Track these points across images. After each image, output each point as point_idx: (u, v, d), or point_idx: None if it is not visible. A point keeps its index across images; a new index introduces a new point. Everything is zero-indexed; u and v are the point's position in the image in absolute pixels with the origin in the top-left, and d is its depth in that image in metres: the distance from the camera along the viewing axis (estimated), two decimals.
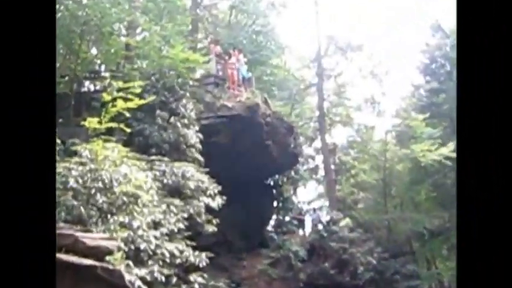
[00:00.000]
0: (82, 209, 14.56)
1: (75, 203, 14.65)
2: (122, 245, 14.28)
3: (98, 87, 26.74)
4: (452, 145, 33.57)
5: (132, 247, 15.11)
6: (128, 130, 18.51)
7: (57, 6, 21.97)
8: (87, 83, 28.44)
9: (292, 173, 38.87)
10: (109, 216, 15.23)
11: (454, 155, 32.99)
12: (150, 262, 16.11)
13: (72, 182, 14.86)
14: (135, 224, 15.32)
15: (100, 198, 15.17)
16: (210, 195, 20.76)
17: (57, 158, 15.22)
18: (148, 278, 15.45)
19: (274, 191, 37.23)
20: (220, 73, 30.86)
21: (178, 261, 17.43)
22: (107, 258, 12.06)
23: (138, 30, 28.94)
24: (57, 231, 9.65)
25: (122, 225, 15.03)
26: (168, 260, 16.75)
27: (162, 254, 16.61)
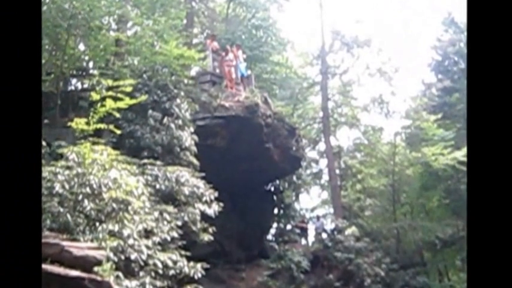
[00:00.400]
0: (69, 216, 14.57)
1: (61, 209, 14.67)
2: (111, 255, 14.29)
3: (85, 86, 26.68)
4: (466, 148, 33.62)
5: (122, 257, 15.10)
6: (118, 132, 18.55)
7: None
8: (74, 81, 28.50)
9: (294, 178, 38.87)
10: (97, 224, 15.24)
11: None
12: (141, 273, 16.11)
13: (58, 188, 14.88)
14: (126, 232, 15.33)
15: (88, 205, 15.18)
16: (206, 202, 20.76)
17: (42, 161, 15.25)
18: None
19: (274, 198, 37.24)
20: (217, 71, 30.91)
21: (171, 272, 17.42)
22: (95, 269, 12.08)
23: (129, 24, 29.00)
24: (42, 240, 9.67)
25: (111, 234, 15.04)
26: (160, 271, 16.74)
27: (155, 264, 16.61)
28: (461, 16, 41.60)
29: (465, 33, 40.00)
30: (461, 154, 33.51)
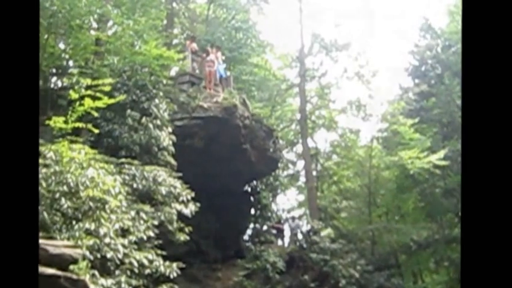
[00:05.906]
0: (45, 214, 14.54)
1: (38, 207, 14.63)
2: (87, 253, 14.29)
3: (65, 84, 26.55)
4: (442, 153, 33.82)
5: (98, 256, 15.10)
6: (96, 131, 18.56)
7: None
8: (53, 79, 28.36)
9: (271, 179, 38.81)
10: (74, 222, 15.23)
11: (444, 163, 33.28)
12: (117, 272, 16.11)
13: None
14: (102, 231, 15.33)
15: (65, 203, 15.17)
16: (183, 202, 20.79)
17: None
18: None
19: (251, 198, 37.22)
20: (197, 71, 30.90)
21: (147, 271, 17.44)
22: (71, 267, 12.07)
23: (110, 24, 28.91)
24: None
25: (88, 233, 15.03)
26: (136, 270, 16.76)
27: (130, 263, 16.62)
28: (438, 22, 41.82)
29: (442, 39, 40.28)
30: (437, 158, 33.73)
